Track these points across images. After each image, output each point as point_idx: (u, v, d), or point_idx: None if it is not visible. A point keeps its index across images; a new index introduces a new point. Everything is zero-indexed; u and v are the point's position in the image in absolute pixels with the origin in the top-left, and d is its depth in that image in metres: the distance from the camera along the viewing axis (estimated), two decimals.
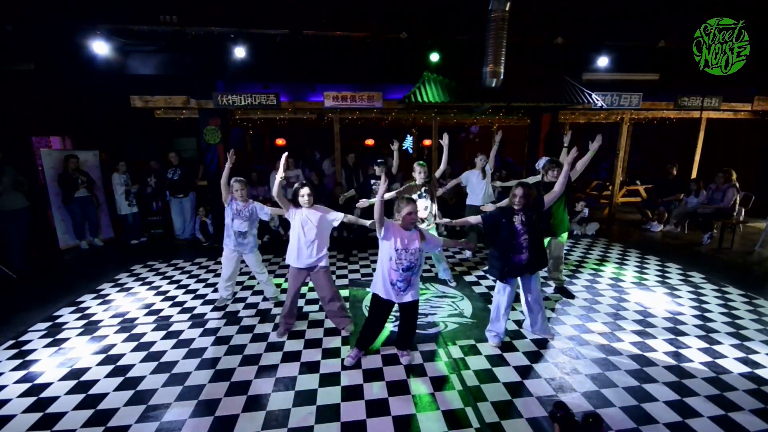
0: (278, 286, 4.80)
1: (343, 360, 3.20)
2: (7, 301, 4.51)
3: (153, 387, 2.93)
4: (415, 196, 4.23)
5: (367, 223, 3.27)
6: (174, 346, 3.50)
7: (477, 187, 5.52)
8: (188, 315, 4.12)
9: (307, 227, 3.37)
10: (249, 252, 4.19)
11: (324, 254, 3.44)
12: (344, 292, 4.59)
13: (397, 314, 3.31)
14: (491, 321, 3.48)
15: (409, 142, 12.86)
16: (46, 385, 2.96)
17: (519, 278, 3.34)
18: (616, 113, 8.18)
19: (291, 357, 3.28)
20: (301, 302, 4.37)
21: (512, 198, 3.20)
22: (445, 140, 4.53)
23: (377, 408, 2.65)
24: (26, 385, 2.96)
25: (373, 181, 5.56)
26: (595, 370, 3.05)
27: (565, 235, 4.31)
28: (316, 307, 4.22)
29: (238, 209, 4.04)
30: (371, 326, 3.19)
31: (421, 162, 4.45)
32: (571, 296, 4.41)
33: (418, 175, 4.41)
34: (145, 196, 7.04)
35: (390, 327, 3.70)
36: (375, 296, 3.08)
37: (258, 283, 4.93)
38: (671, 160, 7.96)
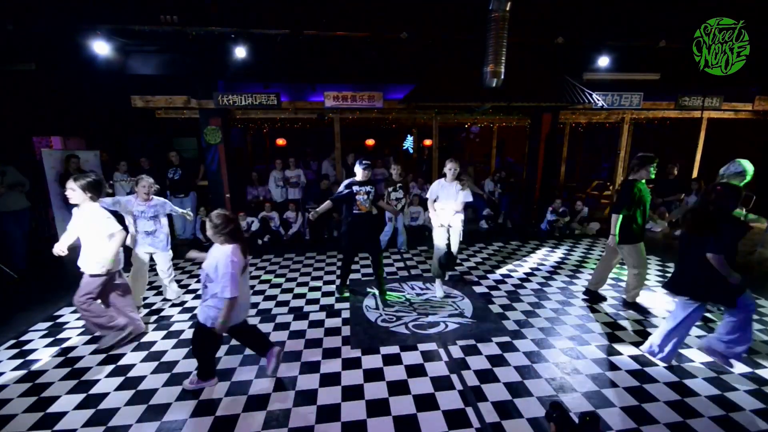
0: (279, 286, 4.82)
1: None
2: (8, 301, 4.52)
3: (153, 387, 2.93)
4: (390, 189, 6.27)
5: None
6: (174, 346, 3.50)
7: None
8: (189, 315, 4.13)
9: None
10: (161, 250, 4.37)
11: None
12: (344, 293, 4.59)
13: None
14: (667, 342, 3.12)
15: (409, 142, 12.89)
16: (47, 385, 2.97)
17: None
18: (616, 113, 8.18)
19: (291, 357, 3.29)
20: (301, 302, 4.38)
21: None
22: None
23: (377, 408, 2.65)
24: (27, 385, 2.97)
25: (357, 188, 4.24)
26: (595, 370, 3.05)
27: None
28: (316, 307, 4.23)
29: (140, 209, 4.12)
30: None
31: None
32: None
33: (395, 172, 6.16)
34: None
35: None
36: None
37: (257, 283, 4.95)
38: (672, 160, 7.95)
